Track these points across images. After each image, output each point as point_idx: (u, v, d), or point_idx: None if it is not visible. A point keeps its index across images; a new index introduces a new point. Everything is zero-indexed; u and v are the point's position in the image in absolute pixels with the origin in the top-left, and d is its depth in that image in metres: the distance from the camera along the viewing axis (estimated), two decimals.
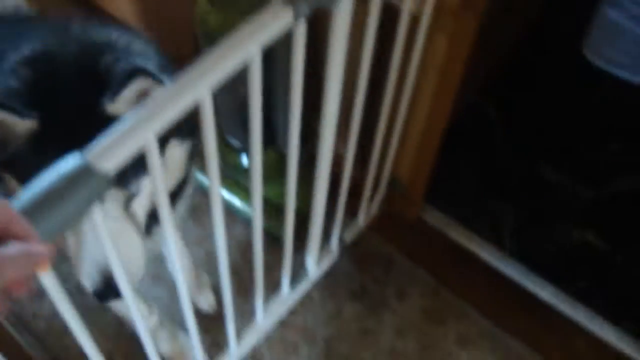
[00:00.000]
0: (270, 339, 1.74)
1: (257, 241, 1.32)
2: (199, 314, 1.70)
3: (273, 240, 1.73)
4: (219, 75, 0.86)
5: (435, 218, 1.99)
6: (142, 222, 1.04)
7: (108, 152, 0.75)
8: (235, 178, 1.88)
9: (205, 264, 1.84)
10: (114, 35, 1.03)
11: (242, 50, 0.87)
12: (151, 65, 1.01)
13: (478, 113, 2.31)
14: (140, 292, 1.62)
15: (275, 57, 1.38)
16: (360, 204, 1.79)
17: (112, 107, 0.91)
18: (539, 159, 2.22)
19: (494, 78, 2.39)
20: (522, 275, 1.91)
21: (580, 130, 2.33)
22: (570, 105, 2.41)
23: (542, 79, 2.48)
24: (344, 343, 1.76)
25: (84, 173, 0.72)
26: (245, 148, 1.76)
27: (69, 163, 0.72)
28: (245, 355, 1.69)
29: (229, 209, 1.91)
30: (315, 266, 1.74)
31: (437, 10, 1.34)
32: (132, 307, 1.03)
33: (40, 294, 1.76)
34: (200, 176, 1.56)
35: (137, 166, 0.87)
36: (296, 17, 0.92)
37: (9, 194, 0.98)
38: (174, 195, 1.22)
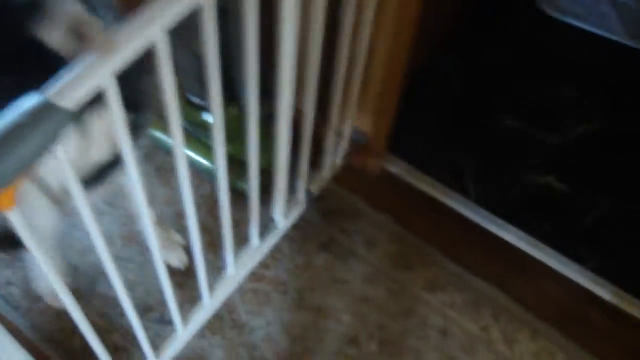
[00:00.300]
0: (242, 291, 1.77)
1: (222, 194, 1.35)
2: (172, 271, 1.75)
3: (241, 196, 1.76)
4: (171, 16, 0.87)
5: (399, 168, 2.03)
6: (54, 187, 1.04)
7: (65, 91, 0.77)
8: (199, 137, 1.90)
9: (175, 224, 1.87)
10: None
11: None
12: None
13: (437, 65, 2.34)
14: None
15: (229, 10, 1.39)
16: (325, 156, 1.82)
17: (44, 32, 0.89)
18: (498, 108, 2.26)
19: (452, 31, 2.43)
20: (486, 220, 1.96)
21: (537, 79, 2.37)
22: (526, 54, 2.45)
23: (499, 29, 2.52)
24: (316, 292, 1.80)
25: (46, 109, 0.74)
26: (206, 105, 1.78)
27: (29, 101, 0.74)
28: (219, 307, 1.73)
29: (195, 168, 1.93)
30: (283, 218, 1.77)
31: None
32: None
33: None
34: (162, 136, 1.58)
35: None
36: None
37: None
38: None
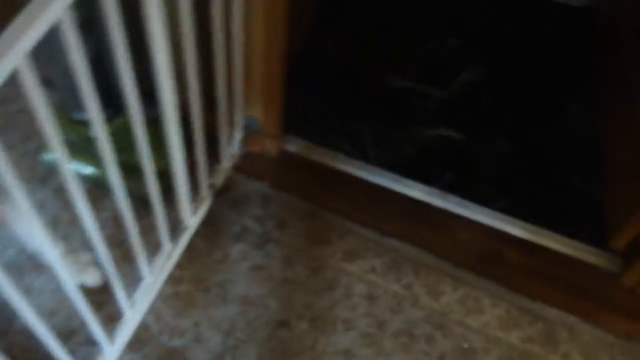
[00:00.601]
0: (164, 297, 1.76)
1: (122, 205, 1.33)
2: (90, 290, 1.71)
3: (147, 203, 1.74)
4: (30, 41, 0.85)
5: (297, 146, 2.05)
6: None
7: None
8: (95, 152, 1.86)
9: (85, 242, 1.83)
10: None
11: (49, 13, 0.87)
12: None
13: (318, 38, 2.36)
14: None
15: (95, 20, 1.37)
16: (221, 148, 1.81)
17: None
18: (386, 70, 2.30)
19: (327, 3, 2.45)
20: (390, 181, 2.00)
21: (418, 34, 2.42)
22: (404, 11, 2.50)
23: None
24: (238, 284, 1.80)
25: None
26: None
27: None
28: (144, 317, 1.71)
29: (96, 182, 1.90)
30: (191, 217, 1.76)
31: None
32: None
33: None
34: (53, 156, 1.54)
35: None
36: None
37: None
38: None
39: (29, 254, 1.80)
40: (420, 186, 1.99)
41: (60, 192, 1.89)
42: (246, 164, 1.99)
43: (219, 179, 1.88)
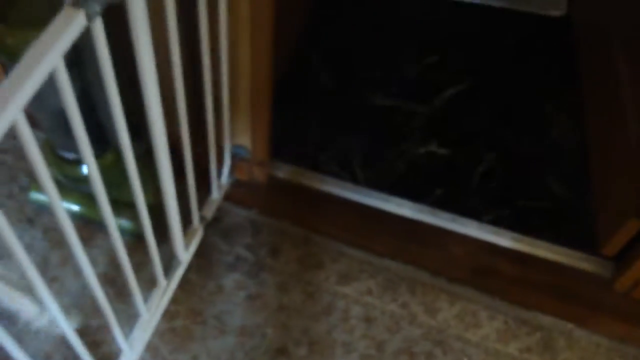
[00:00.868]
0: (160, 332, 1.74)
1: (117, 243, 1.32)
2: (85, 331, 1.69)
3: (137, 238, 1.72)
4: (28, 93, 0.85)
5: (285, 172, 2.04)
6: None
7: None
8: (82, 190, 1.84)
9: (75, 282, 1.81)
10: None
11: (45, 63, 0.86)
12: None
13: (301, 62, 2.37)
14: None
15: (80, 59, 1.36)
16: (210, 179, 1.80)
17: None
18: (367, 88, 2.30)
19: (308, 24, 2.46)
20: (381, 201, 2.00)
21: (398, 52, 2.44)
22: (383, 29, 2.51)
23: (351, 11, 2.57)
24: (234, 314, 1.78)
25: None
26: (81, 158, 1.73)
27: None
28: (141, 356, 1.69)
29: (86, 220, 1.88)
30: (184, 251, 1.75)
31: None
32: None
33: None
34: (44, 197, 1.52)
35: None
36: (89, 18, 0.92)
37: None
38: None
39: None
40: (410, 204, 1.99)
41: (50, 232, 1.86)
42: (235, 193, 1.98)
43: (210, 211, 1.87)
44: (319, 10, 2.55)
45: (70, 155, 1.74)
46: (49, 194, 1.02)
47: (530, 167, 2.15)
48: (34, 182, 1.88)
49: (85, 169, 1.78)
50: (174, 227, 1.60)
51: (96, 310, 1.73)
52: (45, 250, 1.85)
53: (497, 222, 1.98)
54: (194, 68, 1.44)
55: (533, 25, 2.61)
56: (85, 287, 1.78)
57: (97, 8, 0.93)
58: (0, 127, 0.81)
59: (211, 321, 1.77)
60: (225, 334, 1.75)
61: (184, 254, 1.75)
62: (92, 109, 1.03)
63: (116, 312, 1.43)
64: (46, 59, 0.87)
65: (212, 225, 1.91)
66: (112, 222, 1.25)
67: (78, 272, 1.79)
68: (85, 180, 1.80)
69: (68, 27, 0.89)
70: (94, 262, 1.77)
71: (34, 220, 1.90)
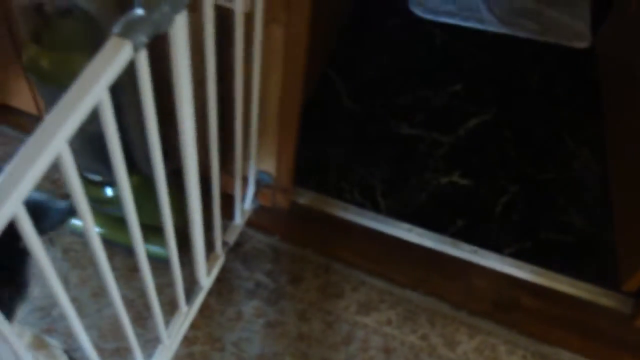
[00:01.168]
0: (179, 358, 1.72)
1: (144, 268, 1.31)
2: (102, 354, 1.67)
3: (157, 262, 1.71)
4: (74, 125, 0.84)
5: (307, 198, 2.03)
6: None
7: None
8: (101, 210, 1.83)
9: (92, 304, 1.79)
10: None
11: (92, 96, 0.86)
12: None
13: (325, 89, 2.37)
14: None
15: (116, 85, 1.35)
16: (234, 204, 1.79)
17: None
18: (392, 118, 2.30)
19: (334, 52, 2.46)
20: (402, 231, 1.99)
21: (422, 81, 2.44)
22: (407, 60, 2.52)
23: (377, 40, 2.58)
24: (253, 342, 1.77)
25: None
26: (106, 180, 1.73)
27: None
28: None
29: (106, 243, 1.86)
30: (206, 277, 1.73)
31: (268, 3, 1.37)
32: None
33: None
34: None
35: None
36: (136, 49, 0.91)
37: None
38: None
39: None
40: (432, 235, 1.98)
41: (69, 252, 1.85)
42: (257, 218, 1.97)
43: (233, 237, 1.86)
44: (345, 36, 2.55)
45: (94, 177, 1.73)
46: (86, 223, 1.01)
47: (553, 199, 2.14)
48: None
49: (109, 192, 1.78)
50: (198, 253, 1.59)
51: (113, 333, 1.74)
52: (65, 270, 1.83)
53: (519, 254, 1.97)
54: (223, 94, 1.44)
55: (558, 56, 2.61)
56: (101, 310, 1.77)
57: (144, 38, 0.92)
58: (46, 159, 0.81)
59: (230, 348, 1.75)
60: None
61: (206, 279, 1.73)
62: (121, 132, 1.02)
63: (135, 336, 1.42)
64: (93, 91, 0.86)
65: (233, 251, 1.89)
66: (141, 246, 1.24)
67: (96, 293, 1.80)
68: (108, 202, 1.80)
69: (115, 59, 0.88)
70: None
71: (54, 240, 1.89)
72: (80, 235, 1.87)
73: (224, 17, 1.31)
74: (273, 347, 1.76)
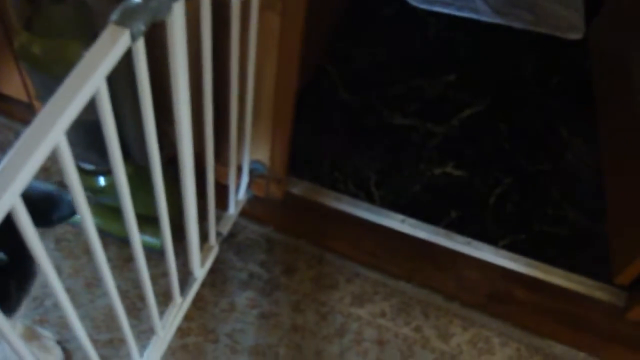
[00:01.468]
0: (172, 350, 1.71)
1: (139, 259, 1.29)
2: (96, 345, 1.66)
3: (149, 253, 1.69)
4: (71, 116, 0.82)
5: (301, 189, 2.02)
6: None
7: None
8: (95, 202, 1.82)
9: (86, 294, 1.78)
10: None
11: (90, 85, 0.84)
12: None
13: (321, 79, 2.36)
14: None
15: (112, 75, 1.33)
16: (228, 194, 1.78)
17: None
18: (386, 108, 2.29)
19: (330, 42, 2.45)
20: (396, 222, 1.98)
21: (416, 71, 2.43)
22: (402, 50, 2.51)
23: (373, 31, 2.57)
24: (247, 333, 1.76)
25: None
26: (99, 169, 1.71)
27: None
28: None
29: (99, 233, 1.85)
30: (199, 268, 1.72)
31: None
32: None
33: None
34: None
35: None
36: (134, 37, 0.89)
37: None
38: None
39: None
40: (426, 226, 1.98)
41: (62, 242, 1.83)
42: (251, 209, 1.95)
43: (226, 227, 1.84)
44: (340, 26, 2.54)
45: (87, 167, 1.71)
46: (83, 215, 1.00)
47: (546, 191, 2.13)
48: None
49: (102, 181, 1.76)
50: (192, 244, 1.57)
51: (106, 324, 1.72)
52: (58, 261, 1.82)
53: (513, 246, 1.97)
54: (220, 86, 1.42)
55: (552, 47, 2.61)
56: (95, 300, 1.75)
57: (142, 27, 0.91)
58: (44, 150, 0.79)
59: (224, 339, 1.74)
60: (238, 353, 1.72)
61: (200, 270, 1.72)
62: (115, 121, 1.01)
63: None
64: (90, 81, 0.84)
65: (227, 241, 1.88)
66: (137, 235, 1.23)
67: (90, 283, 1.79)
68: (101, 191, 1.78)
69: (113, 47, 0.87)
70: None
71: (46, 230, 1.87)
72: (74, 225, 1.86)
73: (220, 5, 1.30)
74: (267, 338, 1.75)
